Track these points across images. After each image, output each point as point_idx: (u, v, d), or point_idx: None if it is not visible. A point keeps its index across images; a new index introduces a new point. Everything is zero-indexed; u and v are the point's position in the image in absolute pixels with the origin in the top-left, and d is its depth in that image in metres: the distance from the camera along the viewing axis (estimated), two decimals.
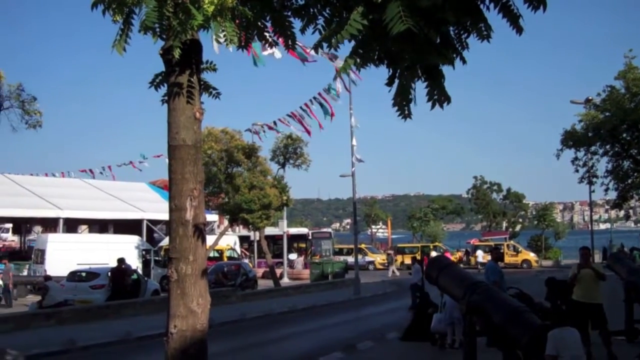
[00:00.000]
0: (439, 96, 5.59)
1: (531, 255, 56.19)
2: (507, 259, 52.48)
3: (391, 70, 5.70)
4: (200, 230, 6.70)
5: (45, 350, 15.23)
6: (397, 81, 5.64)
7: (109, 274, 24.59)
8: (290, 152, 36.93)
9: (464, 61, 5.79)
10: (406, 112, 5.64)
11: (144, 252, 34.03)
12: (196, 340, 6.55)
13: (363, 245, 57.98)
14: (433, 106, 5.59)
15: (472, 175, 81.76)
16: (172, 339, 6.52)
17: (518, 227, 75.01)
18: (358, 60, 5.46)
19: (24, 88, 21.13)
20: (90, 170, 48.98)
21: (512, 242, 60.45)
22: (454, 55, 5.68)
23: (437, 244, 60.97)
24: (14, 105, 21.07)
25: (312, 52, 24.68)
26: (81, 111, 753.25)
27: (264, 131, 34.83)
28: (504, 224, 73.46)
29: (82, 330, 17.92)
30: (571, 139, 37.27)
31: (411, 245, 62.91)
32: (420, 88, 5.58)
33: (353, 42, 5.47)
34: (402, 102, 5.64)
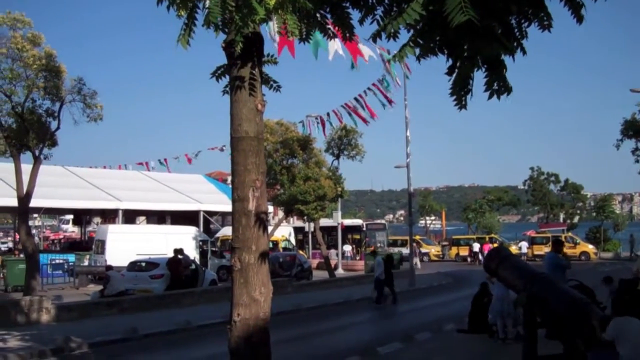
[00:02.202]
0: (498, 87, 5.57)
1: (590, 247, 55.00)
2: (566, 250, 51.45)
3: (451, 60, 5.70)
4: (262, 220, 6.80)
5: (108, 338, 15.59)
6: (456, 71, 5.64)
7: (167, 264, 24.99)
8: (344, 144, 36.89)
9: (524, 52, 5.75)
10: (463, 102, 5.66)
11: (201, 243, 34.49)
12: (259, 328, 6.66)
13: (417, 237, 57.68)
14: (491, 96, 5.58)
15: (529, 166, 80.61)
16: (235, 327, 6.64)
17: (576, 219, 73.48)
18: (417, 50, 5.47)
19: (85, 82, 21.54)
20: (146, 163, 49.72)
21: (570, 233, 59.29)
22: (515, 45, 5.65)
23: (492, 235, 60.23)
24: (76, 99, 21.50)
25: (365, 53, 24.68)
26: (138, 104, 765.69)
27: (318, 122, 34.82)
28: (562, 216, 72.10)
29: (143, 319, 18.29)
30: (631, 129, 36.41)
31: (466, 237, 62.28)
32: (476, 78, 5.59)
33: (411, 32, 5.49)
34: (460, 92, 5.64)
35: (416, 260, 47.81)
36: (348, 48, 23.68)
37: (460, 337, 15.97)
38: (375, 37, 5.46)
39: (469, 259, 53.18)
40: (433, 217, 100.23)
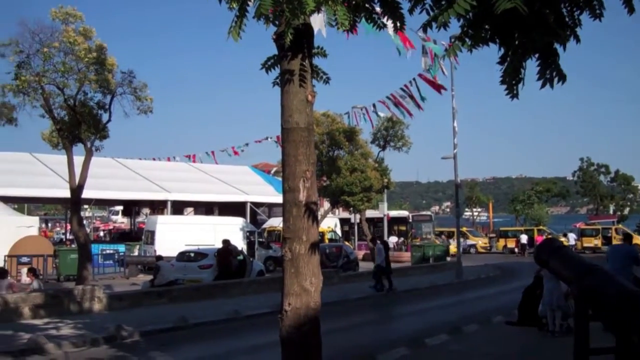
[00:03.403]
0: (551, 75, 5.51)
1: None
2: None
3: (503, 50, 5.65)
4: (313, 211, 6.82)
5: (158, 327, 15.85)
6: (508, 60, 5.59)
7: (216, 254, 25.23)
8: (390, 135, 36.73)
9: (577, 40, 5.67)
10: (515, 91, 5.62)
11: (248, 234, 34.78)
12: (310, 317, 6.70)
13: (464, 229, 57.22)
14: (543, 85, 5.53)
15: (578, 157, 79.48)
16: (286, 316, 6.69)
17: (626, 211, 72.14)
18: (468, 41, 5.44)
19: (135, 75, 21.89)
20: (193, 156, 50.29)
21: (620, 225, 58.17)
22: (568, 33, 5.57)
23: (541, 227, 59.42)
24: (126, 91, 21.87)
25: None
26: (186, 97, 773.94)
27: (364, 114, 34.72)
28: (612, 207, 70.83)
29: (192, 309, 18.51)
30: None
31: (514, 229, 61.58)
32: (527, 67, 5.53)
33: (462, 22, 5.46)
34: (512, 81, 5.60)
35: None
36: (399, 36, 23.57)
37: (509, 330, 15.81)
38: (426, 27, 5.45)
39: (516, 251, 52.60)
40: (480, 209, 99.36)
